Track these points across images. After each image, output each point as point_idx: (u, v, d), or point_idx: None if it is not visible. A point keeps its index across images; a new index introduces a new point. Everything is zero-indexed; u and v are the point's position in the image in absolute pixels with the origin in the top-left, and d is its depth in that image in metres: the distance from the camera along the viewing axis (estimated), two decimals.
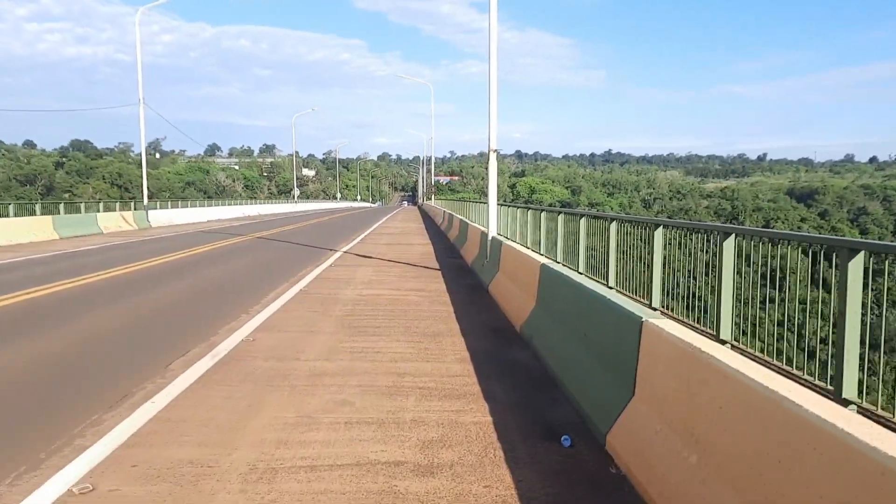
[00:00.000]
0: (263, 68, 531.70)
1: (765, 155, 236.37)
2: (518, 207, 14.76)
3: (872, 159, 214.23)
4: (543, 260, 8.76)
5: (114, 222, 30.89)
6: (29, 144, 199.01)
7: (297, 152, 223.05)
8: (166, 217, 37.02)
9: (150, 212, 36.22)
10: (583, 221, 11.18)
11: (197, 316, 9.94)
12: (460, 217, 25.41)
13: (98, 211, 31.59)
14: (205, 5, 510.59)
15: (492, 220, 14.27)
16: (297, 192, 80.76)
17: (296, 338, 8.31)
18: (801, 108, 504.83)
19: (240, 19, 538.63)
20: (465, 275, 15.00)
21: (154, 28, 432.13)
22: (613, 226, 9.79)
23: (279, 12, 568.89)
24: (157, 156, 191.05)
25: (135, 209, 35.06)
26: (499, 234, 14.96)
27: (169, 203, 41.59)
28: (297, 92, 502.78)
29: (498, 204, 15.46)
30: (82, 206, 30.72)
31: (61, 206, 28.56)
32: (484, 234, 15.42)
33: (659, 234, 8.26)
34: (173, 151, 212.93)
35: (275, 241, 24.37)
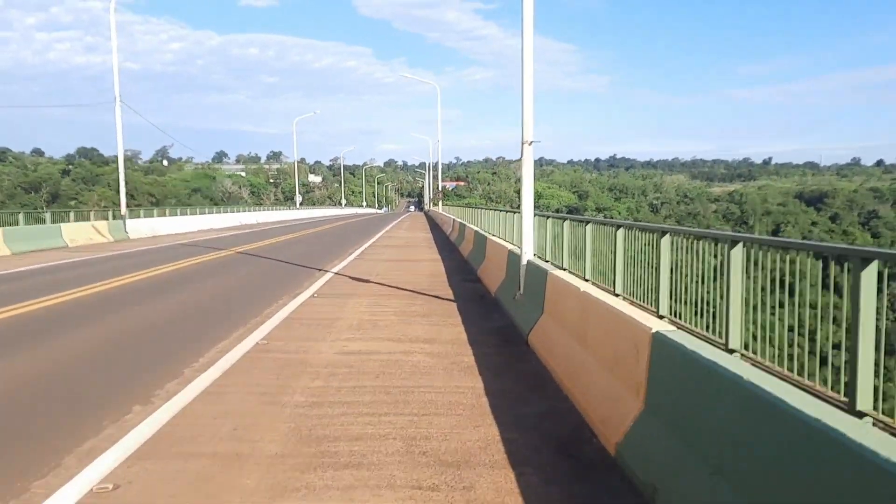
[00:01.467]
0: (270, 75, 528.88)
1: (770, 159, 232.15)
2: (564, 219, 10.76)
3: (879, 162, 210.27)
4: (654, 324, 4.75)
5: (84, 234, 26.98)
6: (37, 152, 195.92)
7: (302, 159, 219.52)
8: (148, 227, 33.12)
9: (131, 221, 32.37)
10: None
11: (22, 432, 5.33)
12: (474, 228, 21.37)
13: (66, 221, 27.65)
14: (211, 14, 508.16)
15: (527, 236, 10.26)
16: (299, 198, 76.80)
17: (201, 477, 4.36)
18: (805, 112, 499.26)
19: (246, 27, 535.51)
20: (488, 310, 11.01)
21: (162, 37, 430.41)
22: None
23: (285, 20, 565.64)
24: (165, 163, 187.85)
25: (113, 218, 31.16)
26: (537, 255, 10.97)
27: (155, 211, 37.70)
28: (304, 98, 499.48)
29: (536, 215, 11.46)
30: (48, 215, 26.78)
31: (20, 216, 24.65)
32: (513, 255, 11.43)
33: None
34: (181, 159, 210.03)
35: (258, 256, 20.41)
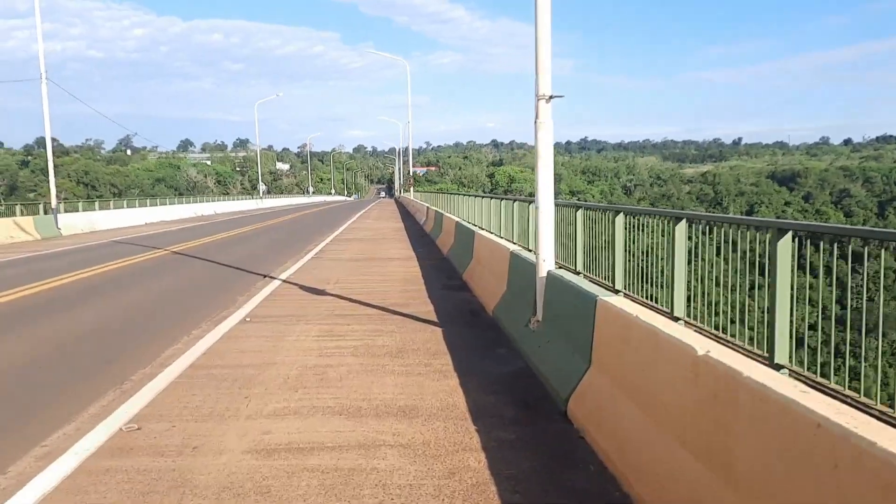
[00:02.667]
0: (235, 62, 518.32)
1: (740, 139, 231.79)
2: (608, 210, 7.54)
3: (847, 141, 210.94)
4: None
5: (3, 232, 23.18)
6: None
7: (270, 146, 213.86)
8: (86, 221, 29.26)
9: (66, 216, 28.54)
10: None
11: None
12: (454, 218, 17.99)
13: None
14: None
15: (545, 235, 6.93)
16: (262, 187, 72.72)
17: None
18: (773, 93, 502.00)
19: (211, 13, 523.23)
20: (489, 340, 7.71)
21: (125, 23, 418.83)
22: None
23: (250, 5, 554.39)
24: (129, 152, 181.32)
25: (44, 213, 27.29)
26: (561, 264, 7.71)
27: (97, 203, 33.68)
28: (270, 85, 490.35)
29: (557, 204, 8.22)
30: None
31: None
32: (519, 261, 8.17)
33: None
34: (145, 148, 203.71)
35: (195, 258, 16.86)
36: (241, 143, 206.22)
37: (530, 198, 10.23)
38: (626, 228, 7.74)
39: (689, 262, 6.40)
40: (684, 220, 6.50)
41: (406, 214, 40.97)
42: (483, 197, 15.48)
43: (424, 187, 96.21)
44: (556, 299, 6.44)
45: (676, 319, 6.20)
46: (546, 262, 6.92)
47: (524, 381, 6.09)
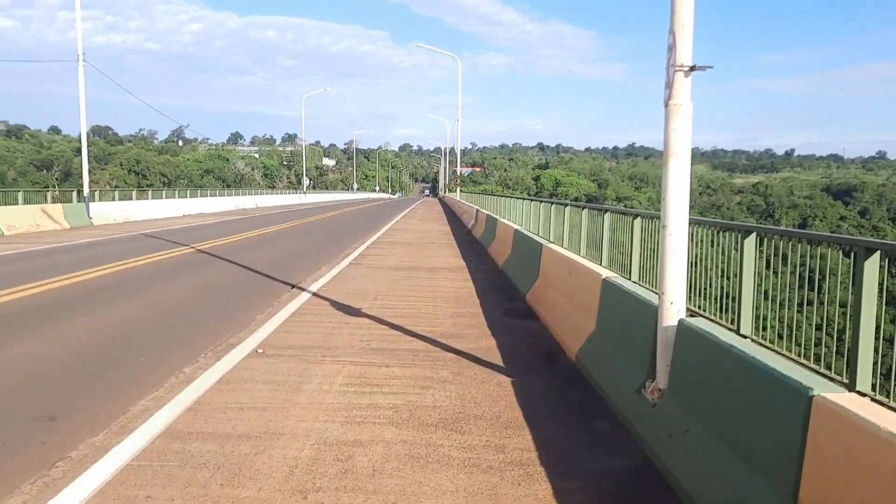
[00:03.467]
0: (288, 58, 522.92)
1: (792, 151, 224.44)
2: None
3: None
4: None
5: (28, 220, 21.74)
6: (54, 130, 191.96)
7: (317, 142, 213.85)
8: (119, 211, 27.83)
9: (99, 204, 27.16)
10: None
11: None
12: (513, 225, 15.73)
13: (16, 202, 22.44)
14: None
15: (674, 267, 4.76)
16: (306, 181, 71.30)
17: None
18: (827, 104, 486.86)
19: (266, 10, 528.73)
20: (580, 401, 5.53)
21: (182, 17, 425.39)
22: None
23: (305, 3, 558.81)
24: (181, 143, 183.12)
25: (77, 200, 25.89)
26: (695, 310, 5.51)
27: (134, 193, 32.29)
28: (321, 82, 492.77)
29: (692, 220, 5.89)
30: None
31: None
32: (615, 291, 6.01)
33: None
34: (196, 139, 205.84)
35: (218, 259, 14.98)
36: (290, 138, 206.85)
37: (622, 208, 8.01)
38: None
39: None
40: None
41: (452, 216, 38.88)
42: (552, 203, 13.24)
43: (469, 188, 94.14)
44: (696, 366, 4.26)
45: None
46: (675, 305, 4.72)
47: (651, 493, 3.92)
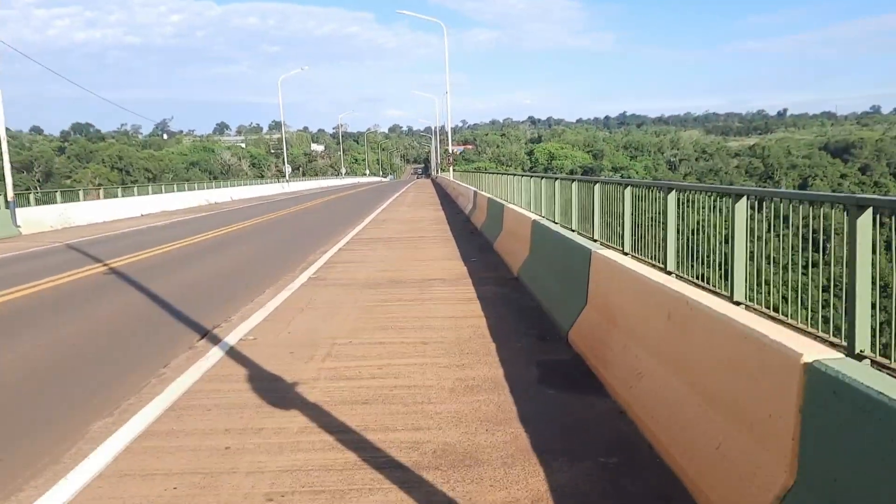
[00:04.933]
0: (272, 45, 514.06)
1: (785, 111, 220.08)
2: None
3: None
4: None
5: None
6: (36, 130, 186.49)
7: (305, 127, 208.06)
8: (57, 216, 23.63)
9: (34, 209, 23.11)
10: None
11: None
12: (530, 215, 11.58)
13: None
14: None
15: None
16: (288, 169, 66.88)
17: None
18: (819, 62, 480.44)
19: None
20: None
21: (161, 9, 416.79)
22: None
23: None
24: (165, 137, 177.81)
25: (4, 206, 21.78)
26: None
27: (81, 193, 28.01)
28: (307, 67, 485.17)
29: None
30: None
31: None
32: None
33: None
34: (181, 132, 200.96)
35: (127, 283, 10.89)
36: (277, 126, 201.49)
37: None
38: None
39: None
40: None
41: (446, 199, 34.78)
42: (595, 182, 9.21)
43: (462, 166, 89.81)
44: None
45: None
46: None
47: None
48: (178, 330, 7.38)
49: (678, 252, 7.68)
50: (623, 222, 9.04)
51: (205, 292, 9.71)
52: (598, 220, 8.57)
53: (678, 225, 7.67)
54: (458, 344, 6.47)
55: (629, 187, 9.11)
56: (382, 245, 14.84)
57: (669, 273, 7.25)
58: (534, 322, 7.25)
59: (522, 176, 17.95)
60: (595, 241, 8.34)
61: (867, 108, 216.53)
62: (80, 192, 30.38)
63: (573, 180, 10.71)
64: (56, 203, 25.04)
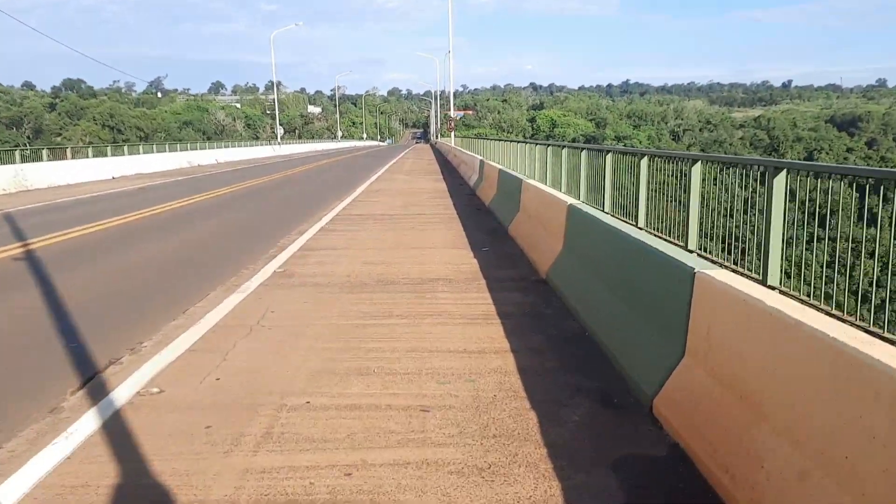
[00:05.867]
0: (269, 3, 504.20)
1: (790, 82, 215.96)
2: None
3: None
4: None
5: None
6: (27, 86, 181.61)
7: (302, 89, 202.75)
8: (10, 177, 21.01)
9: (25, 167, 20.63)
10: None
11: None
12: (563, 198, 8.96)
13: None
14: None
15: None
16: (280, 131, 63.70)
17: None
18: (825, 33, 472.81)
19: None
20: None
21: None
22: None
23: None
24: (159, 95, 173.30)
25: None
26: None
27: (45, 153, 25.35)
28: (306, 27, 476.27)
29: None
30: None
31: None
32: None
33: None
34: (175, 90, 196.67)
35: (40, 275, 8.47)
36: (273, 86, 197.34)
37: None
38: None
39: None
40: None
41: (447, 166, 32.16)
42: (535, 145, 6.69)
43: (462, 132, 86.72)
44: None
45: None
46: None
47: None
48: (48, 373, 4.90)
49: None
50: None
51: (122, 296, 7.23)
52: (695, 218, 5.87)
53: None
54: (476, 413, 4.04)
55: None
56: (374, 224, 12.34)
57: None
58: (586, 365, 4.82)
59: (538, 145, 15.34)
60: (691, 251, 5.79)
61: (873, 82, 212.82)
62: (68, 150, 27.99)
63: (640, 154, 7.95)
64: (16, 163, 22.35)
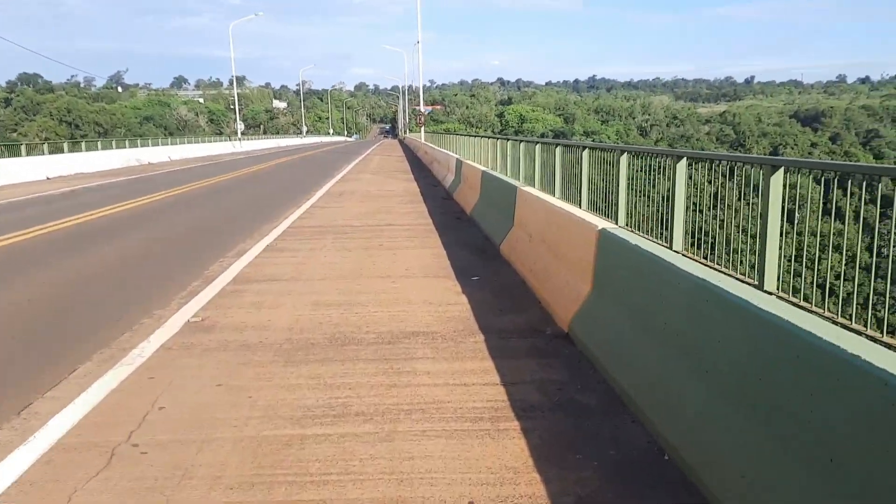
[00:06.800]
0: None
1: (752, 78, 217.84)
2: None
3: (864, 79, 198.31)
4: None
5: None
6: None
7: (267, 83, 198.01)
8: None
9: None
10: None
11: None
12: (593, 221, 6.87)
13: None
14: None
15: None
16: (241, 126, 60.59)
17: None
18: (787, 29, 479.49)
19: None
20: None
21: None
22: None
23: None
24: (119, 89, 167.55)
25: None
26: None
27: (24, 149, 22.20)
28: (271, 21, 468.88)
29: None
30: None
31: None
32: None
33: None
34: (137, 85, 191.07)
35: None
36: (238, 81, 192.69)
37: None
38: None
39: None
40: None
41: (417, 164, 29.83)
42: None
43: (431, 127, 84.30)
44: None
45: None
46: None
47: None
48: None
49: None
50: None
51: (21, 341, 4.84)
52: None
53: None
54: None
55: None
56: (332, 240, 9.99)
57: None
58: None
59: (527, 142, 13.13)
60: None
61: (833, 77, 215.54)
62: (23, 147, 25.17)
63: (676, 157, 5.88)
64: None
